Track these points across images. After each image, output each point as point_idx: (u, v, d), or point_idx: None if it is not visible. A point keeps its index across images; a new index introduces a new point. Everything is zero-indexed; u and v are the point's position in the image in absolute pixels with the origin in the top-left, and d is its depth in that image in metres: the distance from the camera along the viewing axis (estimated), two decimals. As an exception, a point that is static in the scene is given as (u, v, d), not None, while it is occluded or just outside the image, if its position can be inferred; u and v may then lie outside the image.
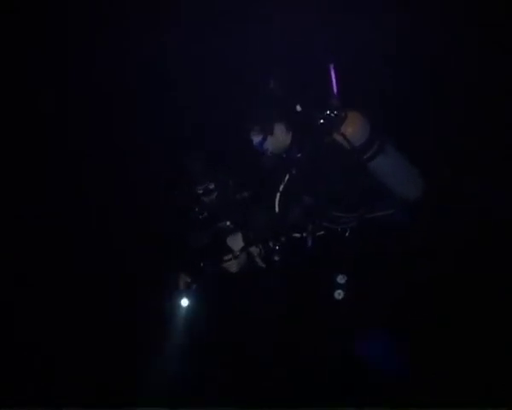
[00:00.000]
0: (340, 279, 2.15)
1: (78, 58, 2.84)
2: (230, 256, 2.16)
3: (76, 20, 2.80)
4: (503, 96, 2.57)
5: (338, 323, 2.24)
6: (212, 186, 2.39)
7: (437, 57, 2.69)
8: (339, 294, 2.15)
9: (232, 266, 2.18)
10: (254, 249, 2.18)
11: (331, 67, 2.12)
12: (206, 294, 2.30)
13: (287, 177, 2.15)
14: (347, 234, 2.19)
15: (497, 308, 2.41)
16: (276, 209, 2.14)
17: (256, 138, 2.14)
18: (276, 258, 2.14)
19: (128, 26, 2.80)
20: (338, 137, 2.07)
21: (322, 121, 2.07)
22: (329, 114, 2.06)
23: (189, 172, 2.43)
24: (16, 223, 2.88)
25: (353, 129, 2.07)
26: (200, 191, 2.41)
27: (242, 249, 2.17)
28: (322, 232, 2.17)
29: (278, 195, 2.15)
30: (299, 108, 2.11)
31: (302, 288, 2.27)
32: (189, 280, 2.23)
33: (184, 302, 2.27)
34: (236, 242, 2.19)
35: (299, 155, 2.14)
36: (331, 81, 2.12)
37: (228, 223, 2.31)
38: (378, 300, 2.22)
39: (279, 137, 2.15)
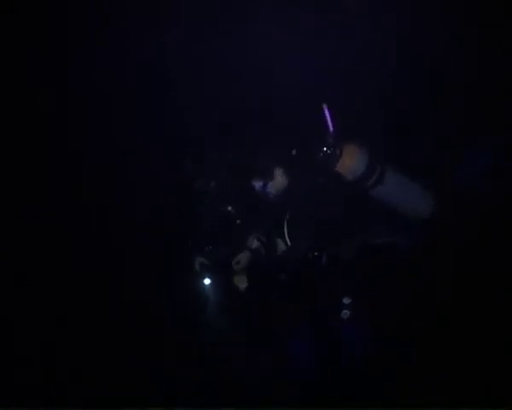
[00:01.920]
0: (346, 300, 2.21)
1: (78, 58, 2.84)
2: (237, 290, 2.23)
3: (76, 20, 2.80)
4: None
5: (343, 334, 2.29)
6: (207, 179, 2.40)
7: (432, 77, 2.69)
8: (345, 313, 2.21)
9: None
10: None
11: (324, 106, 2.11)
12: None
13: (288, 214, 2.19)
14: (350, 259, 2.22)
15: (497, 308, 2.41)
16: (288, 243, 2.18)
17: (257, 184, 2.20)
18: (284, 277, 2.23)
19: (128, 26, 2.80)
20: (336, 173, 2.10)
21: (317, 161, 2.10)
22: (325, 152, 2.08)
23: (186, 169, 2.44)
24: (16, 223, 2.87)
25: (349, 165, 2.07)
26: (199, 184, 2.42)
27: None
28: (326, 258, 2.21)
29: (286, 230, 2.18)
30: (294, 152, 2.15)
31: (309, 307, 2.32)
32: (204, 262, 2.26)
33: (207, 281, 2.28)
34: (242, 282, 2.23)
35: (298, 193, 2.18)
36: (324, 120, 2.12)
37: (229, 208, 2.33)
38: (383, 311, 2.26)
39: (279, 180, 2.20)
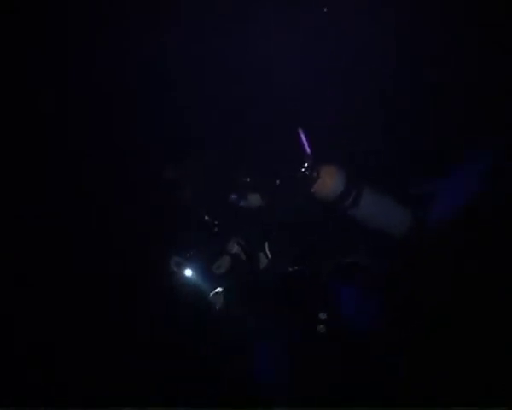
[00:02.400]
0: (322, 316, 2.26)
1: (78, 58, 2.84)
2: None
3: (76, 19, 2.80)
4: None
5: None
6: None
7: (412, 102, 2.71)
8: (321, 328, 2.27)
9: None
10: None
11: (300, 131, 2.16)
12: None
13: (269, 229, 2.27)
14: (325, 278, 2.29)
15: (496, 308, 2.41)
16: (269, 256, 2.25)
17: (234, 196, 2.27)
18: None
19: (128, 26, 2.80)
20: (313, 194, 2.14)
21: (296, 181, 2.16)
22: (303, 172, 2.12)
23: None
24: (16, 223, 2.88)
25: (327, 186, 2.12)
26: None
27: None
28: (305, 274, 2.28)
29: (267, 244, 2.26)
30: (278, 182, 2.23)
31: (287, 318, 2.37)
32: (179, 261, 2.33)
33: (188, 272, 2.31)
34: (218, 300, 2.29)
35: (277, 210, 2.25)
36: (301, 143, 2.15)
37: (206, 217, 2.34)
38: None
39: (252, 201, 2.26)
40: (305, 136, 2.13)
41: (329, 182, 2.11)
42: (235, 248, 2.26)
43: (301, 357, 2.38)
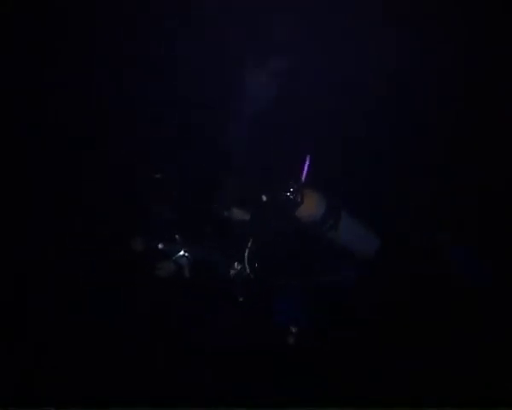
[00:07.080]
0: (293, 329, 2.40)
1: (78, 57, 2.85)
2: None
3: (76, 19, 2.80)
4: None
5: None
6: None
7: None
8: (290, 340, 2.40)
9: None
10: None
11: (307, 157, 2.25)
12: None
13: (249, 242, 2.33)
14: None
15: (497, 308, 2.42)
16: (247, 269, 2.33)
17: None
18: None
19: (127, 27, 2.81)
20: (295, 217, 2.26)
21: (280, 203, 2.25)
22: (288, 196, 2.23)
23: None
24: (14, 223, 2.88)
25: (309, 212, 2.26)
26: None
27: None
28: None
29: (246, 255, 2.33)
30: (264, 198, 2.28)
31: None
32: None
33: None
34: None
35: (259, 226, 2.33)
36: (303, 169, 2.25)
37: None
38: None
39: (236, 214, 2.34)
40: (309, 163, 2.23)
41: (312, 207, 2.25)
42: (181, 260, 2.35)
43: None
